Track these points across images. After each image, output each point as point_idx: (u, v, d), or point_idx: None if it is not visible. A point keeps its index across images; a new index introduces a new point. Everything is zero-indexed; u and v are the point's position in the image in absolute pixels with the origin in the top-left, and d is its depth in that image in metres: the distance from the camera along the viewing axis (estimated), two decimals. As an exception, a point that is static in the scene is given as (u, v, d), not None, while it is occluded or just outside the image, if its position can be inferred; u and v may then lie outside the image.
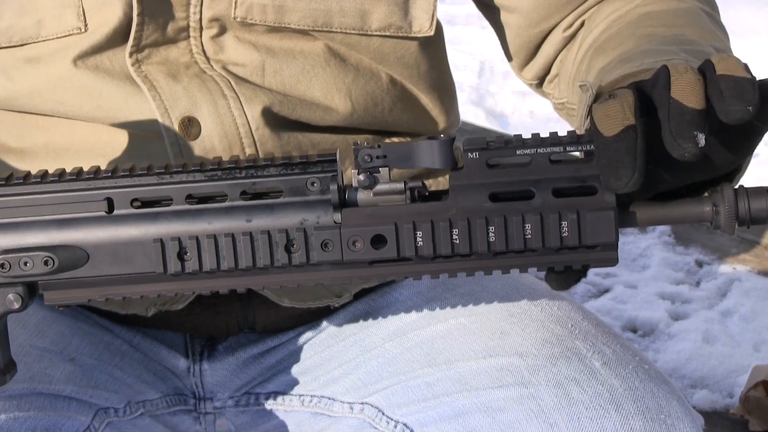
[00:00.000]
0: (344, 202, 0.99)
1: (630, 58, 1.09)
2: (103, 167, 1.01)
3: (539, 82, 1.38)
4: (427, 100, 1.30)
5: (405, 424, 1.18)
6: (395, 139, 1.29)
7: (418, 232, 0.98)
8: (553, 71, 1.35)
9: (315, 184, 0.99)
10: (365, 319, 1.29)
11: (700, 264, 2.61)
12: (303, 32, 1.22)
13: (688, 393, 2.17)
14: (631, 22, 1.23)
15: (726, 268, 2.57)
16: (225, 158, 1.18)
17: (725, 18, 1.30)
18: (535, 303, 1.23)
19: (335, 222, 0.99)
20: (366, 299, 1.31)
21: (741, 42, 4.27)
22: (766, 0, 4.26)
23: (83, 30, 1.18)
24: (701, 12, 1.24)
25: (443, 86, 1.32)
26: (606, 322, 1.21)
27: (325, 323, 1.31)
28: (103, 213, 1.00)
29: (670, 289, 2.53)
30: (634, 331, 2.41)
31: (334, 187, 0.98)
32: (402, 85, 1.28)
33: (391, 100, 1.27)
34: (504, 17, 1.33)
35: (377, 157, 0.98)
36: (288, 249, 0.99)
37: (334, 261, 0.99)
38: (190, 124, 1.19)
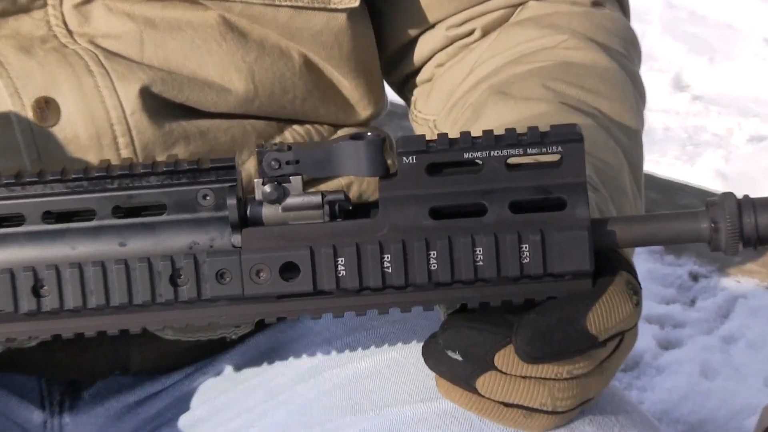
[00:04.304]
0: (245, 219, 0.96)
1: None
2: None
3: (402, 81, 1.35)
4: (350, 88, 1.26)
5: (324, 489, 1.20)
6: (299, 128, 1.24)
7: (339, 259, 0.94)
8: (425, 74, 1.32)
9: (208, 198, 0.95)
10: (271, 355, 1.24)
11: (695, 277, 2.56)
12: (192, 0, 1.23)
13: (683, 440, 2.23)
14: (544, 68, 1.23)
15: (728, 281, 2.52)
16: (92, 152, 1.14)
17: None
18: None
19: (234, 246, 0.95)
20: (271, 330, 1.26)
21: None
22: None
23: None
24: (627, 82, 1.24)
25: (371, 71, 1.29)
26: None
27: (219, 361, 1.27)
28: None
29: (658, 309, 2.48)
30: (614, 364, 2.36)
31: (232, 201, 0.95)
32: (319, 69, 1.25)
33: (305, 86, 1.23)
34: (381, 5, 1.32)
35: (288, 163, 0.94)
36: (174, 281, 0.96)
37: (232, 296, 0.96)
38: (47, 107, 1.13)
